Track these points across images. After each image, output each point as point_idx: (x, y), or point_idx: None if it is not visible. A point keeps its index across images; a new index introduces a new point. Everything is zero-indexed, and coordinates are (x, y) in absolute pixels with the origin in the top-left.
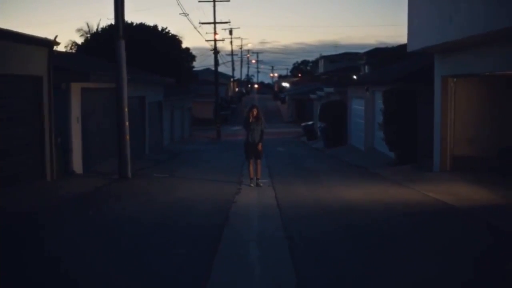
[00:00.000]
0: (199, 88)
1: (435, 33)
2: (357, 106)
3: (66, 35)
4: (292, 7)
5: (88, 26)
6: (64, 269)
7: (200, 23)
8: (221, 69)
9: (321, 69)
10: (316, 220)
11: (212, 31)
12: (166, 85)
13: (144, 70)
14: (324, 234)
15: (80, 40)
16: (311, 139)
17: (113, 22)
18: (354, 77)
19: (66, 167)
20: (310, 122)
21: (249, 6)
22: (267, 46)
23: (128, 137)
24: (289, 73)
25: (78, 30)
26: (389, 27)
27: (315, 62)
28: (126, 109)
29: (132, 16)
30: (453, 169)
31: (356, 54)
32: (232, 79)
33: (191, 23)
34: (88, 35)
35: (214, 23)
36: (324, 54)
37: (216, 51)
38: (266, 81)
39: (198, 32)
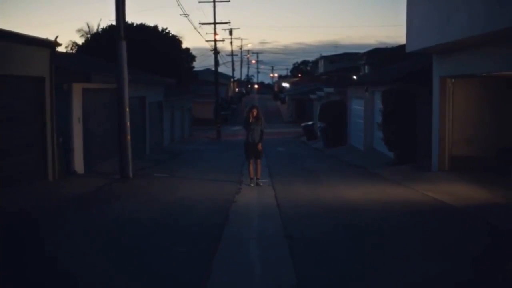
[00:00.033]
0: (199, 89)
1: (433, 33)
2: (356, 106)
3: (67, 35)
4: (292, 7)
5: (89, 27)
6: (66, 267)
7: (200, 23)
8: (221, 69)
9: (321, 69)
10: (315, 219)
11: (212, 31)
12: (166, 86)
13: (145, 71)
14: (324, 233)
15: (80, 41)
16: (311, 139)
17: (113, 22)
18: (354, 77)
19: (67, 167)
20: (310, 122)
21: (249, 7)
22: (267, 46)
23: (129, 137)
24: (289, 73)
25: (79, 30)
26: (389, 27)
27: (315, 62)
28: (127, 109)
29: (132, 16)
30: (451, 169)
31: (356, 54)
32: (232, 79)
33: (191, 23)
34: (89, 36)
35: (214, 23)
36: (324, 54)
37: (216, 51)
38: (266, 81)
39: (198, 32)
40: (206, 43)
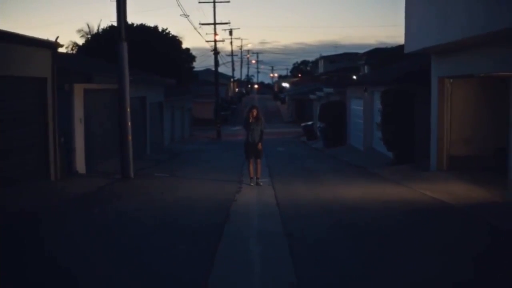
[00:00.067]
0: (199, 89)
1: (431, 34)
2: (356, 107)
3: (67, 36)
4: (292, 7)
5: (89, 27)
6: (67, 266)
7: (200, 24)
8: (221, 69)
9: (321, 69)
10: (315, 218)
11: (212, 31)
12: (166, 86)
13: (145, 71)
14: (324, 232)
15: (80, 41)
16: (311, 139)
17: (114, 23)
18: (354, 77)
19: (69, 167)
20: (310, 122)
21: (249, 7)
22: (267, 46)
23: (130, 137)
24: (289, 73)
25: (79, 30)
26: (389, 27)
27: (315, 62)
28: (128, 110)
29: (132, 17)
30: (449, 168)
31: (356, 54)
32: (232, 80)
33: (191, 24)
34: (89, 36)
35: (214, 24)
36: (324, 54)
37: (216, 52)
38: (266, 81)
39: (198, 33)
40: (206, 43)
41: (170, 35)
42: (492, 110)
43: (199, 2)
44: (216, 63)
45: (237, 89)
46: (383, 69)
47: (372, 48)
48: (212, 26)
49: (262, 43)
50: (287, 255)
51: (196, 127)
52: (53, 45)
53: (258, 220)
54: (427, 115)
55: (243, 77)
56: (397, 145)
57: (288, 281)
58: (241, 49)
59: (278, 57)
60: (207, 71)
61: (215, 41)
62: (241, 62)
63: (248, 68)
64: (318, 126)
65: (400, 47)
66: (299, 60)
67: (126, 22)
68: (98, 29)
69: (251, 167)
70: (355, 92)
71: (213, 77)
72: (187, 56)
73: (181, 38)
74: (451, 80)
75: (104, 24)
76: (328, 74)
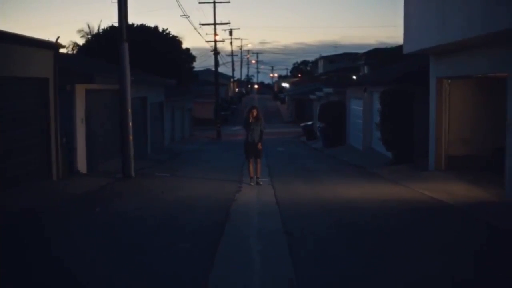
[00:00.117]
0: (200, 89)
1: (430, 35)
2: (355, 107)
3: (67, 36)
4: (292, 7)
5: (89, 27)
6: (70, 264)
7: (200, 24)
8: (221, 69)
9: (320, 69)
10: (315, 217)
11: (212, 32)
12: (167, 86)
13: (145, 71)
14: (323, 231)
15: (81, 41)
16: (311, 139)
17: (114, 24)
18: (354, 77)
19: (71, 167)
20: (310, 122)
21: (249, 7)
22: (267, 46)
23: (131, 137)
24: (289, 73)
25: (79, 31)
26: (389, 28)
27: (315, 63)
28: (129, 110)
29: (133, 17)
30: (448, 168)
31: (356, 54)
32: (232, 80)
33: (191, 24)
34: (89, 36)
35: (214, 24)
36: (324, 54)
37: (216, 52)
38: (266, 81)
39: (199, 33)
40: (206, 43)
41: (170, 35)
42: (490, 111)
43: (199, 3)
44: (216, 63)
45: (237, 89)
46: (383, 69)
47: (372, 48)
48: (212, 26)
49: (262, 43)
50: (286, 254)
51: (196, 127)
52: (55, 46)
53: (258, 219)
54: (426, 115)
55: (243, 77)
56: (396, 145)
57: (288, 279)
58: (241, 49)
59: (278, 57)
60: (207, 71)
61: (215, 41)
62: (241, 62)
63: (248, 68)
64: (317, 126)
65: (400, 47)
66: (299, 60)
67: (127, 23)
68: (98, 30)
69: (251, 167)
70: (354, 92)
71: (213, 77)
72: (187, 56)
73: (181, 38)
74: (449, 81)
75: (104, 25)
76: (328, 74)
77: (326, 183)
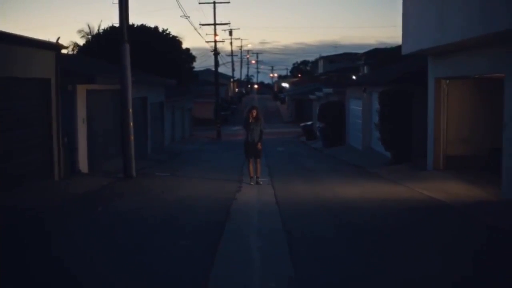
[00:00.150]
0: (200, 89)
1: (428, 36)
2: (355, 107)
3: (67, 36)
4: (292, 7)
5: (89, 28)
6: (71, 264)
7: (200, 24)
8: (221, 69)
9: (320, 69)
10: (314, 217)
11: (212, 32)
12: (167, 86)
13: (145, 71)
14: (323, 230)
15: (81, 41)
16: (310, 139)
17: (115, 24)
18: (353, 77)
19: (72, 167)
20: (309, 122)
21: (249, 7)
22: (267, 46)
23: (132, 137)
24: (288, 73)
25: (79, 31)
26: (389, 28)
27: (315, 63)
28: (130, 110)
29: (133, 18)
30: (446, 168)
31: (356, 54)
32: (232, 80)
33: (191, 24)
34: (89, 37)
35: (214, 24)
36: (324, 54)
37: (216, 52)
38: (266, 81)
39: (199, 33)
40: (206, 43)
41: (171, 35)
42: (488, 111)
43: (199, 3)
44: (216, 64)
45: (237, 89)
46: (382, 69)
47: (371, 48)
48: (212, 26)
49: (262, 43)
50: (286, 253)
51: (196, 127)
52: (57, 47)
53: (258, 219)
54: (425, 115)
55: (243, 77)
56: (395, 145)
57: (287, 278)
58: (241, 49)
59: (278, 57)
60: (207, 71)
61: (215, 41)
62: (241, 62)
63: (248, 68)
64: (317, 126)
65: (400, 48)
66: (299, 60)
67: (128, 24)
68: (98, 30)
69: (251, 167)
70: (354, 93)
71: (213, 77)
72: (187, 56)
73: (181, 38)
74: (448, 81)
75: (104, 25)
76: (327, 74)
77: (325, 183)
